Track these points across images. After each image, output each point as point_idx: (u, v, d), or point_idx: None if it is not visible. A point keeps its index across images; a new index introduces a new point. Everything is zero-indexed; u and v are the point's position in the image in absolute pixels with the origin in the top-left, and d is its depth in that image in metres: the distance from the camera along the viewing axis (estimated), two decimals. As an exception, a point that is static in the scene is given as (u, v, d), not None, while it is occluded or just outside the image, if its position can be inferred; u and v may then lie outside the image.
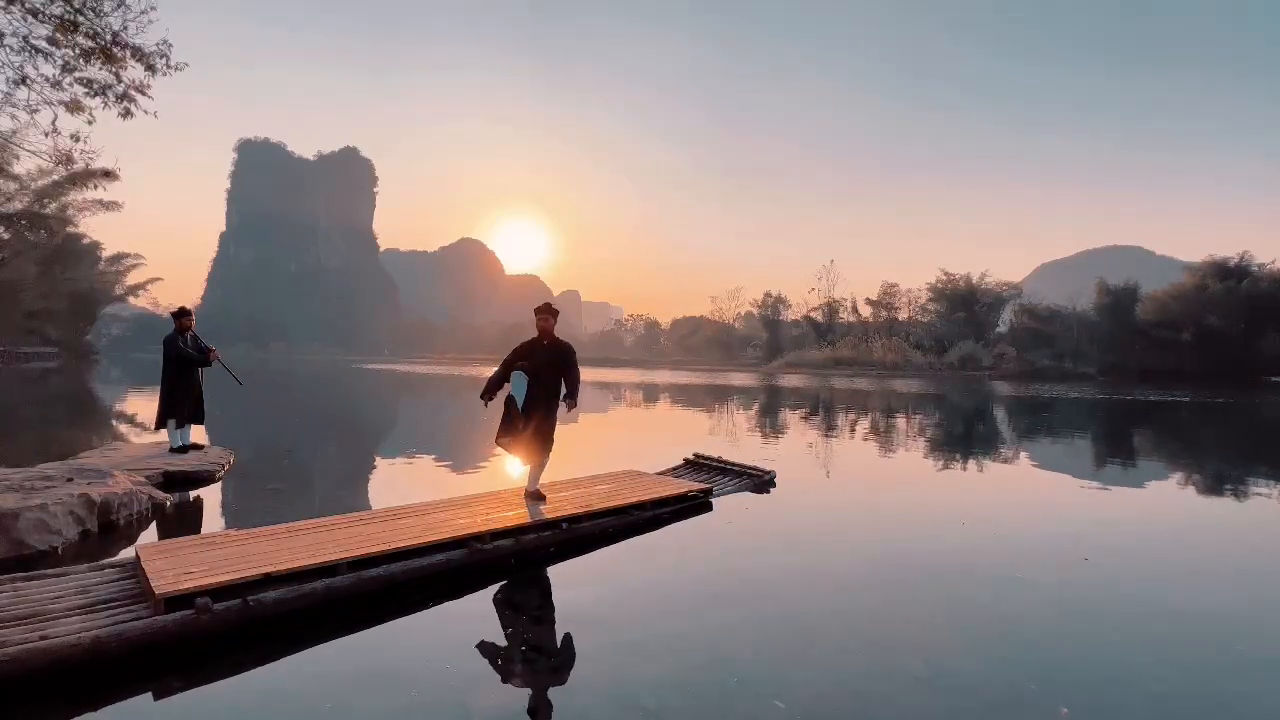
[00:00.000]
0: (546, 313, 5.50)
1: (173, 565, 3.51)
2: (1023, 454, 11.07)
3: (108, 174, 14.52)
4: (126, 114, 10.19)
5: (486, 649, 3.20)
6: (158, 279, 68.82)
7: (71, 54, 9.75)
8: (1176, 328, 57.64)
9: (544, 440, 5.40)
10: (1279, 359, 52.61)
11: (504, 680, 2.88)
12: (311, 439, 11.77)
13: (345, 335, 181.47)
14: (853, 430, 14.06)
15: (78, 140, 10.98)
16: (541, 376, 5.37)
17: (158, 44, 9.96)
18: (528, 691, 2.78)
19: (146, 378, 28.42)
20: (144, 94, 10.22)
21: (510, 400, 5.35)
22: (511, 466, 7.50)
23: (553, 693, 2.78)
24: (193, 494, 6.32)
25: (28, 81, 9.92)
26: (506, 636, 3.35)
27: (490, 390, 5.35)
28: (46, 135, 10.70)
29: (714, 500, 6.32)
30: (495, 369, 5.51)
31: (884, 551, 5.08)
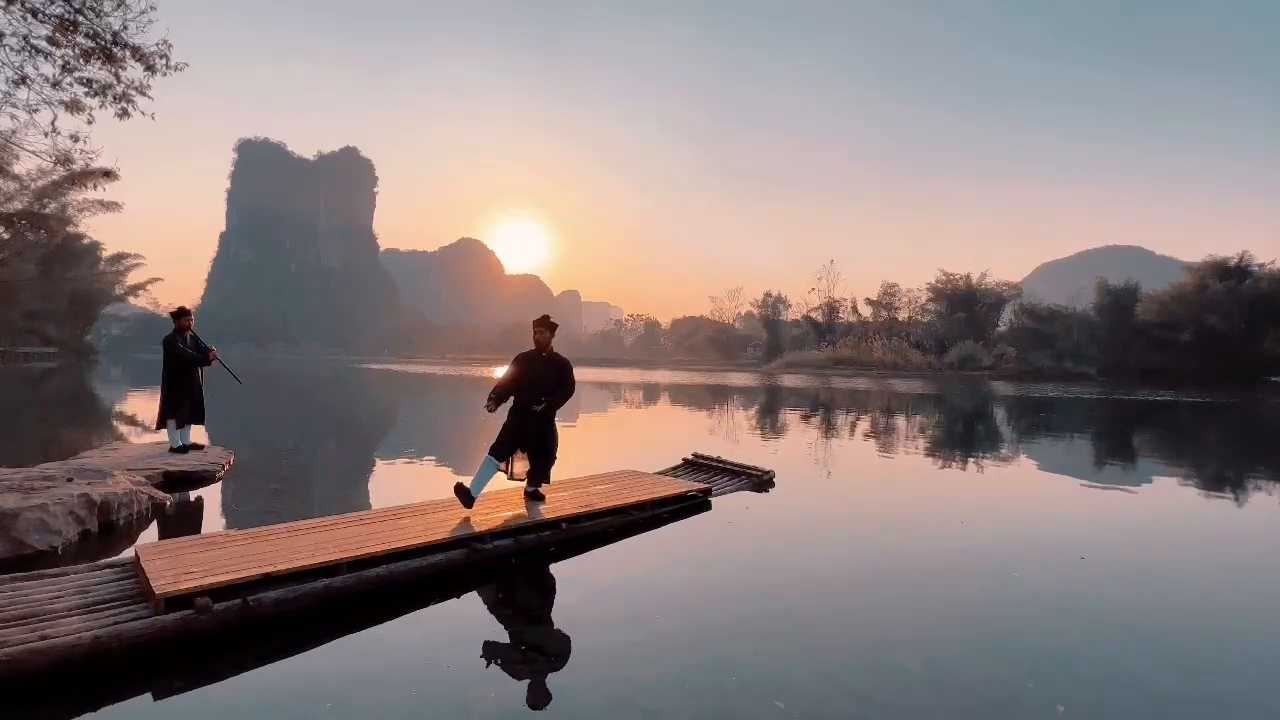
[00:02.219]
0: (543, 326, 5.50)
1: (172, 565, 3.51)
2: (1022, 454, 11.08)
3: (107, 174, 14.51)
4: (124, 114, 10.18)
5: (486, 649, 3.20)
6: (158, 279, 68.91)
7: (71, 54, 9.75)
8: (1176, 328, 57.58)
9: (547, 451, 5.42)
10: (1279, 359, 52.61)
11: (504, 680, 2.88)
12: (311, 439, 11.77)
13: (345, 335, 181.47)
14: (852, 430, 14.07)
15: (77, 140, 10.99)
16: (538, 390, 5.34)
17: (157, 44, 9.95)
18: (527, 691, 2.78)
19: (146, 378, 28.45)
20: (144, 94, 10.21)
21: (511, 419, 5.33)
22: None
23: (552, 693, 2.78)
24: (193, 494, 6.32)
25: (27, 81, 9.92)
26: (506, 636, 3.36)
27: (496, 399, 5.31)
28: (46, 135, 10.70)
29: (713, 500, 6.32)
30: (505, 368, 5.53)
31: (884, 551, 5.09)
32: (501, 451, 5.23)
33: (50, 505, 4.65)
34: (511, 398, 5.40)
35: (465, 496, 4.92)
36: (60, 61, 9.81)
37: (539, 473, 5.45)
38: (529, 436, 5.33)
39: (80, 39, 9.63)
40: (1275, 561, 5.16)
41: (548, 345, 5.46)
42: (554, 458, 5.50)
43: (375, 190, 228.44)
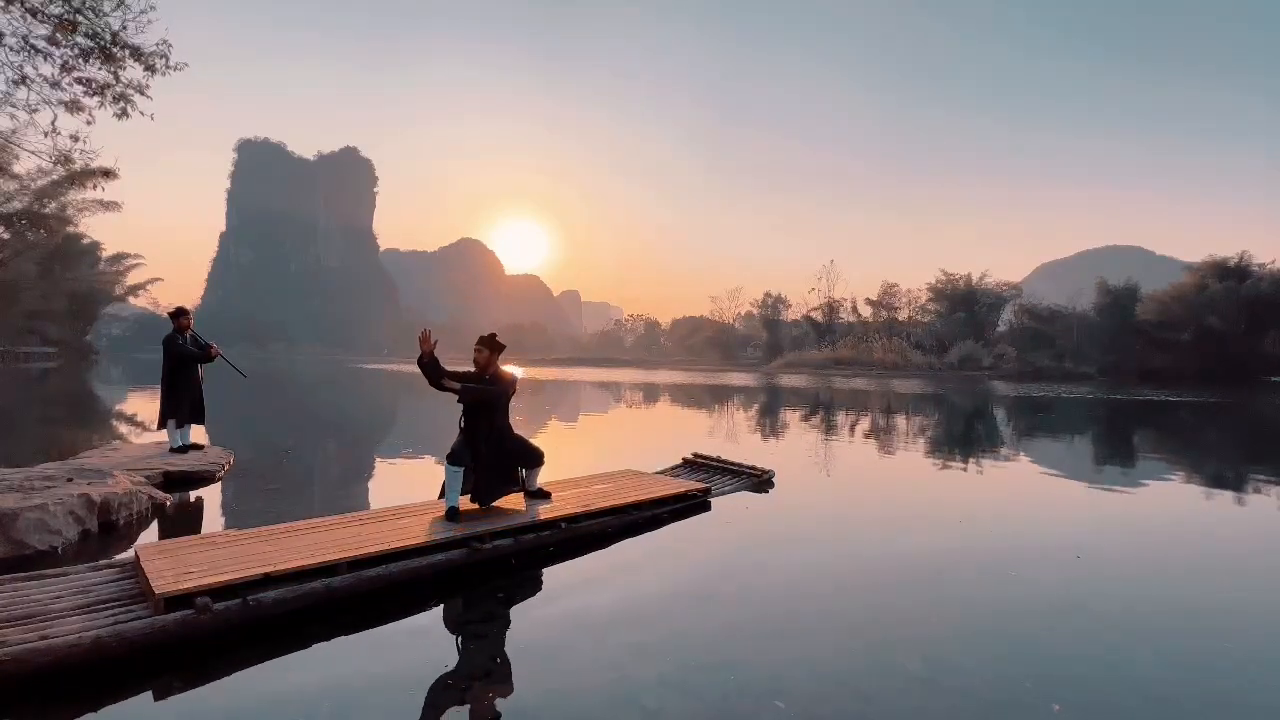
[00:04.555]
0: (483, 345, 5.15)
1: (172, 565, 3.51)
2: (1021, 454, 11.07)
3: (107, 173, 14.52)
4: (123, 114, 10.17)
5: (486, 649, 3.20)
6: (158, 279, 68.90)
7: (70, 54, 9.74)
8: (1176, 328, 57.56)
9: (510, 459, 5.20)
10: (1279, 359, 52.60)
11: (504, 680, 2.88)
12: (311, 439, 11.76)
13: (345, 335, 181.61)
14: (852, 430, 14.06)
15: (77, 140, 10.98)
16: (486, 413, 5.08)
17: (157, 44, 9.94)
18: (528, 691, 2.78)
19: (146, 378, 28.43)
20: (143, 94, 10.20)
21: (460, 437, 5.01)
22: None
23: (553, 693, 2.78)
24: (193, 494, 6.32)
25: (27, 81, 9.92)
26: (506, 637, 3.36)
27: (429, 365, 4.90)
28: (46, 135, 10.69)
29: (713, 500, 6.32)
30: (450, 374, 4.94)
31: (883, 551, 5.09)
32: (458, 458, 4.90)
33: (50, 505, 4.65)
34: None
35: (454, 515, 4.74)
36: (60, 61, 9.81)
37: (529, 470, 5.32)
38: (479, 451, 5.00)
39: (79, 39, 9.62)
40: (1274, 560, 5.16)
41: (486, 365, 5.14)
42: (532, 451, 5.29)
43: (375, 190, 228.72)
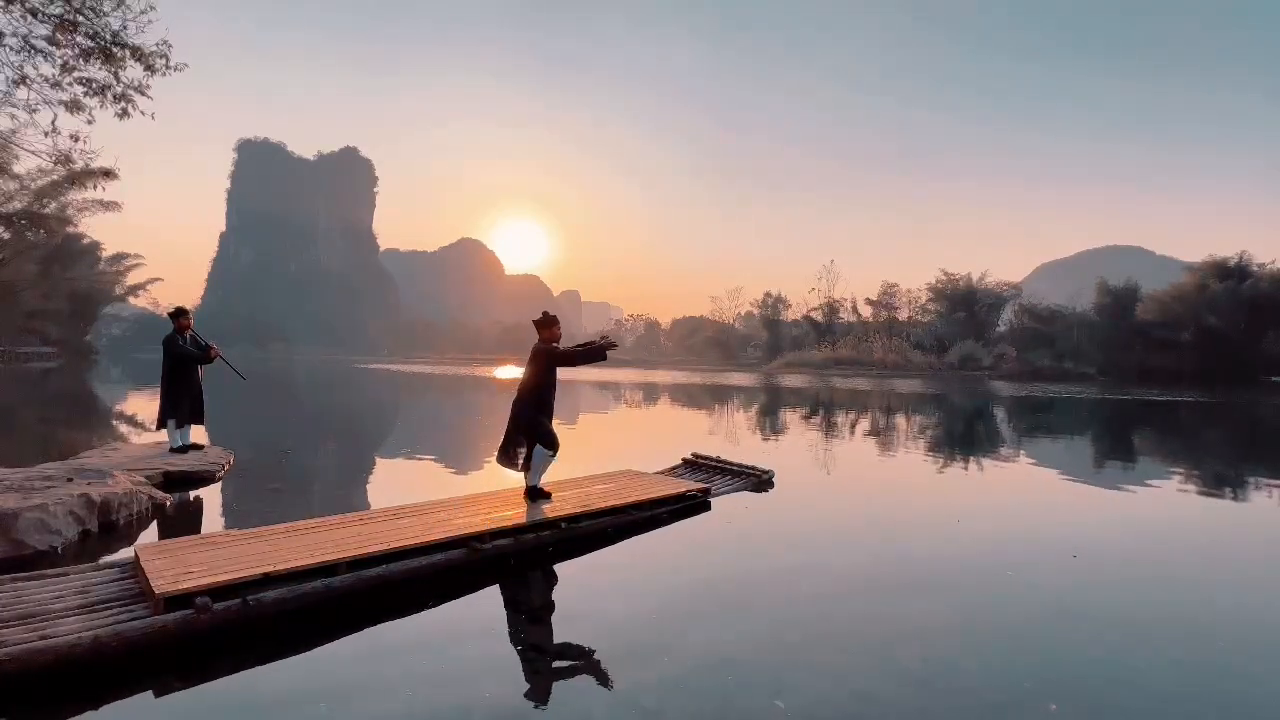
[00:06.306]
0: (554, 324, 5.72)
1: (172, 565, 3.52)
2: (1021, 454, 11.07)
3: (107, 173, 14.54)
4: (124, 114, 10.19)
5: (486, 649, 3.20)
6: (158, 279, 68.78)
7: (71, 54, 9.76)
8: (1177, 328, 57.54)
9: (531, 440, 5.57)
10: (1279, 359, 52.59)
11: (504, 680, 2.88)
12: (311, 439, 11.77)
13: (345, 335, 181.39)
14: (852, 430, 14.07)
15: (77, 140, 10.99)
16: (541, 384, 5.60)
17: (157, 44, 9.96)
18: (527, 691, 2.78)
19: (146, 378, 28.44)
20: (143, 94, 10.21)
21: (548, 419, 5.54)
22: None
23: (553, 693, 2.78)
24: (193, 494, 6.32)
25: (27, 81, 9.93)
26: (506, 636, 3.36)
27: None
28: (46, 135, 10.70)
29: (712, 500, 6.32)
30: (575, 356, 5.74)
31: (883, 551, 5.09)
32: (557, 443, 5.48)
33: (50, 505, 4.65)
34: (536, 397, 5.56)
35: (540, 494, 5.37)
36: (60, 61, 9.82)
37: (543, 453, 5.58)
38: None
39: (80, 39, 9.63)
40: (1273, 561, 5.16)
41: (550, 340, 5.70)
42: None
43: (375, 190, 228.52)
